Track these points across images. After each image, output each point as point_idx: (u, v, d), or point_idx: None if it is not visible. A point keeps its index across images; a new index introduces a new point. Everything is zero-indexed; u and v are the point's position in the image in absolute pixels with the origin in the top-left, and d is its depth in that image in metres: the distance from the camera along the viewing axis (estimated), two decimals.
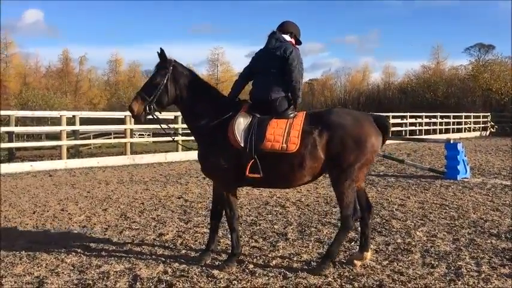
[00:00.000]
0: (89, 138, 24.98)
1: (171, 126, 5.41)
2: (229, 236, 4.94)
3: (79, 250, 5.26)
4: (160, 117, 4.92)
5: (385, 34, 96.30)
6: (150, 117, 4.84)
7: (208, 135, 4.74)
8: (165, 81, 4.72)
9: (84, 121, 23.03)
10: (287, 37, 4.92)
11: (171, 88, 4.75)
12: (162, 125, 5.30)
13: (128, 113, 16.57)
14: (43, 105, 40.38)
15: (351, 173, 4.47)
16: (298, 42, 5.09)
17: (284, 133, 4.48)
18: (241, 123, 4.59)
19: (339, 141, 4.44)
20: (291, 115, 4.66)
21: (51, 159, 14.77)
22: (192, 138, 5.39)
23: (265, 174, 4.52)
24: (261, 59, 4.92)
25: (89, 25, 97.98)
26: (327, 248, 4.77)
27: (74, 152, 17.09)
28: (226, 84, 50.11)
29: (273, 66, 4.77)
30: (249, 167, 4.47)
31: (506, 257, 5.00)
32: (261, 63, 4.90)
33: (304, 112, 4.73)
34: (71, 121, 18.02)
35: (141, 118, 4.78)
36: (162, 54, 4.75)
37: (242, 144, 4.50)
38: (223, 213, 4.93)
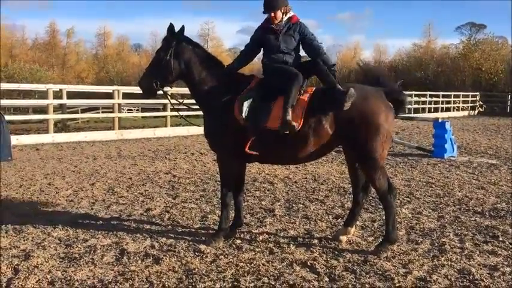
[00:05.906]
0: (76, 112, 24.62)
1: (181, 101, 5.40)
2: (219, 212, 4.94)
3: (66, 224, 5.24)
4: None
5: (377, 12, 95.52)
6: (160, 92, 4.94)
7: (215, 111, 4.68)
8: (168, 57, 4.66)
9: (72, 95, 22.75)
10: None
11: (175, 64, 4.68)
12: (170, 100, 5.45)
13: (116, 87, 16.48)
14: (29, 78, 39.70)
15: (370, 152, 4.34)
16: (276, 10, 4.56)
17: None
18: (247, 99, 4.51)
19: (346, 119, 4.32)
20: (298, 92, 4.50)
21: (38, 133, 14.63)
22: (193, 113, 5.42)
23: (270, 151, 4.51)
24: None
25: None
26: (384, 233, 4.62)
27: (61, 126, 16.93)
28: None
29: None
30: (249, 143, 4.44)
31: (489, 234, 5.08)
32: None
33: (313, 88, 4.60)
34: (58, 95, 17.77)
35: (150, 94, 4.87)
36: (170, 28, 4.68)
37: (247, 121, 4.43)
38: (243, 187, 5.05)
